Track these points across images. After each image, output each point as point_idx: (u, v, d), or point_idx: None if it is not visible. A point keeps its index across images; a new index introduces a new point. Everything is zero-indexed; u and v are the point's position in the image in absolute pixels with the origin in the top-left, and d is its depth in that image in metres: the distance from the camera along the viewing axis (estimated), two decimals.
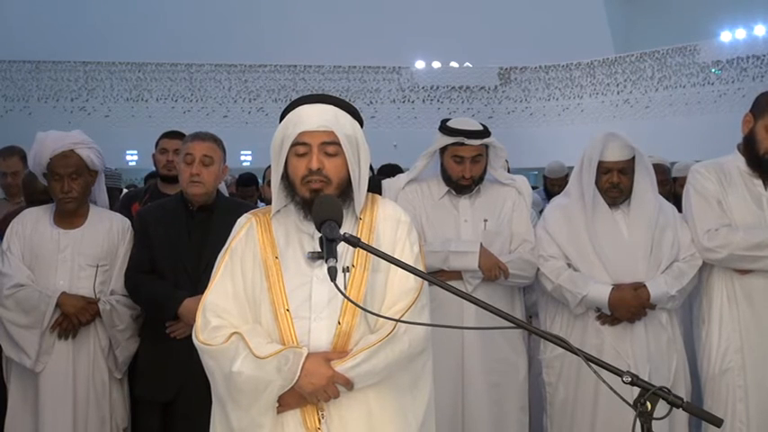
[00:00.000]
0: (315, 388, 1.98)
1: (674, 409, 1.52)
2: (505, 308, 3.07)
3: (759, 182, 3.19)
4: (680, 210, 3.43)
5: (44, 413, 3.14)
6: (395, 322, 1.96)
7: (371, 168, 4.52)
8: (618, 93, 18.26)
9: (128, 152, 17.00)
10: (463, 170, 3.36)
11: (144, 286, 3.21)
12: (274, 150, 2.10)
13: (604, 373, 1.55)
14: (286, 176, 2.10)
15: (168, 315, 3.14)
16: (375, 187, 2.50)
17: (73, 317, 3.17)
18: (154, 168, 4.49)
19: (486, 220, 3.39)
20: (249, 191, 6.24)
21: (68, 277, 3.22)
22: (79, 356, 3.21)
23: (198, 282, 2.99)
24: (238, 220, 2.21)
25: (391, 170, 5.46)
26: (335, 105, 2.11)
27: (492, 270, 3.24)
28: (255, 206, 3.63)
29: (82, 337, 3.21)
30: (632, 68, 18.11)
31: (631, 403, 1.49)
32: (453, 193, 3.43)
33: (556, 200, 3.59)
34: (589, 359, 1.54)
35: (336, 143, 2.05)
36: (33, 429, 3.17)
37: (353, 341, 2.04)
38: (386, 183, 3.60)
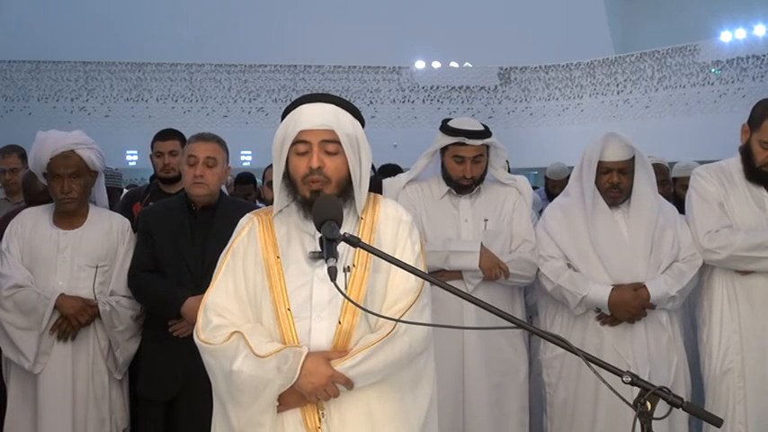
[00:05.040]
0: (314, 387, 1.98)
1: (674, 409, 1.52)
2: (506, 308, 3.06)
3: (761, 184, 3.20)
4: (681, 211, 3.44)
5: (43, 414, 3.13)
6: (395, 322, 1.96)
7: (373, 168, 4.52)
8: (618, 93, 18.28)
9: (128, 152, 17.03)
10: (464, 170, 3.36)
11: (147, 285, 3.22)
12: (275, 150, 2.10)
13: (604, 373, 1.55)
14: (287, 176, 2.10)
15: (171, 314, 3.14)
16: (376, 187, 2.50)
17: (72, 318, 3.16)
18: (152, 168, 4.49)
19: (486, 220, 3.39)
20: (247, 189, 6.34)
21: (68, 278, 3.21)
22: (78, 357, 3.20)
23: (201, 281, 3.00)
24: (240, 220, 2.22)
25: (391, 170, 5.47)
26: (336, 104, 2.11)
27: (492, 270, 3.24)
28: (256, 206, 3.65)
29: (81, 338, 3.21)
30: (632, 68, 18.14)
31: (631, 403, 1.49)
32: (454, 192, 3.43)
33: (556, 200, 3.59)
34: (589, 359, 1.54)
35: (337, 142, 2.05)
36: (32, 430, 3.17)
37: (354, 341, 2.04)
38: (386, 182, 3.60)
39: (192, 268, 3.16)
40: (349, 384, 2.00)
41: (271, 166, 3.80)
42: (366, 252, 1.96)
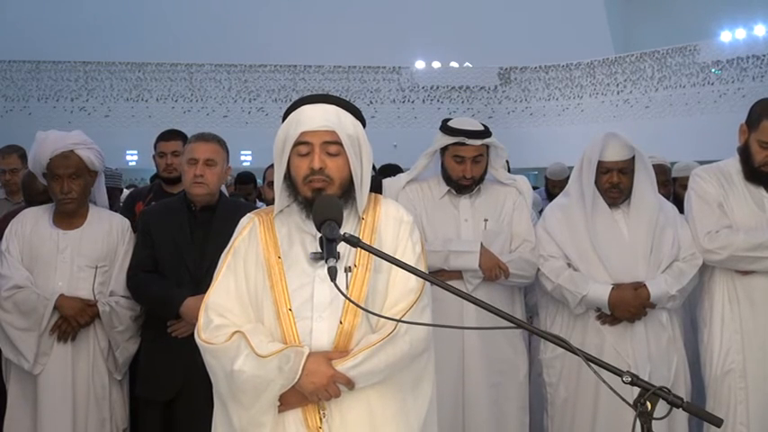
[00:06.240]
0: (316, 387, 1.98)
1: (674, 409, 1.52)
2: (506, 308, 3.07)
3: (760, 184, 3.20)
4: (681, 211, 3.44)
5: (43, 415, 3.13)
6: (396, 322, 1.96)
7: (374, 168, 4.53)
8: (618, 93, 18.27)
9: (128, 152, 17.03)
10: (464, 170, 3.36)
11: (146, 285, 3.22)
12: (277, 150, 2.10)
13: (604, 373, 1.55)
14: (288, 176, 2.10)
15: (170, 314, 3.14)
16: (376, 187, 2.50)
17: (72, 319, 3.16)
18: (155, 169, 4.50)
19: (486, 220, 3.40)
20: (247, 189, 6.35)
21: (68, 278, 3.21)
22: (78, 358, 3.20)
23: (200, 281, 3.01)
24: (241, 219, 2.22)
25: (391, 170, 5.47)
26: (338, 105, 2.12)
27: (492, 270, 3.25)
28: (255, 206, 3.65)
29: (81, 338, 3.21)
30: (632, 68, 18.13)
31: (631, 403, 1.49)
32: (454, 192, 3.43)
33: (556, 200, 3.60)
34: (589, 359, 1.54)
35: (338, 143, 2.05)
36: (32, 431, 3.16)
37: (355, 341, 2.04)
38: (386, 182, 3.60)
39: (191, 268, 3.16)
40: (350, 384, 2.00)
41: (271, 166, 3.79)
42: (367, 252, 1.96)
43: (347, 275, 2.01)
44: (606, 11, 20.60)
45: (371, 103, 19.06)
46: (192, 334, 2.14)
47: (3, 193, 4.80)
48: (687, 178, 3.58)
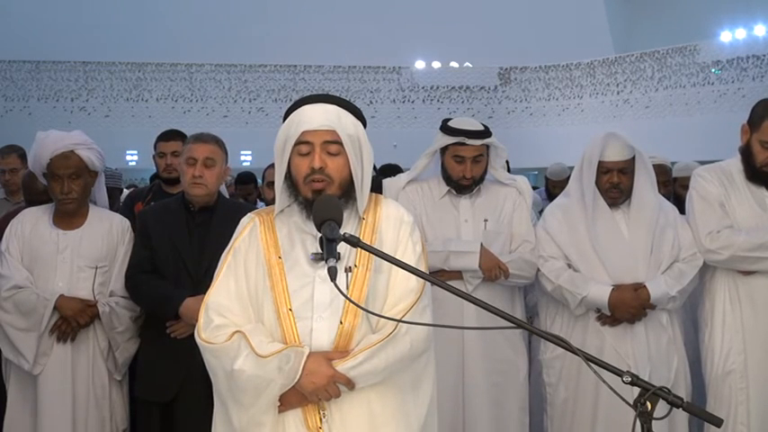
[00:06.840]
0: (316, 387, 1.98)
1: (674, 409, 1.52)
2: (506, 308, 3.07)
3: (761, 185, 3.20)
4: (681, 211, 3.44)
5: (43, 415, 3.13)
6: (396, 322, 1.96)
7: (375, 168, 4.53)
8: (618, 93, 18.27)
9: (128, 152, 17.03)
10: (464, 170, 3.36)
11: (145, 286, 3.21)
12: (277, 150, 2.10)
13: (604, 374, 1.55)
14: (289, 176, 2.10)
15: (169, 314, 3.14)
16: (376, 187, 2.50)
17: (71, 320, 3.16)
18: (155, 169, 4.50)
19: (486, 220, 3.40)
20: (248, 189, 6.34)
21: (68, 279, 3.21)
22: (78, 358, 3.20)
23: (199, 282, 3.00)
24: (242, 219, 2.22)
25: (391, 170, 5.47)
26: (338, 105, 2.12)
27: (492, 270, 3.24)
28: (254, 207, 3.65)
29: (81, 339, 3.20)
30: (632, 68, 18.13)
31: (631, 403, 1.49)
32: (454, 192, 3.43)
33: (556, 200, 3.60)
34: (589, 359, 1.54)
35: (338, 142, 2.05)
36: (32, 431, 3.16)
37: (355, 341, 2.04)
38: (386, 182, 3.60)
39: (189, 269, 3.15)
40: (350, 384, 2.01)
41: (271, 165, 3.79)
42: (367, 252, 1.96)
43: (347, 276, 2.01)
44: (606, 11, 20.60)
45: (371, 103, 19.05)
46: (191, 334, 2.14)
47: (3, 193, 4.80)
48: (687, 178, 3.58)
